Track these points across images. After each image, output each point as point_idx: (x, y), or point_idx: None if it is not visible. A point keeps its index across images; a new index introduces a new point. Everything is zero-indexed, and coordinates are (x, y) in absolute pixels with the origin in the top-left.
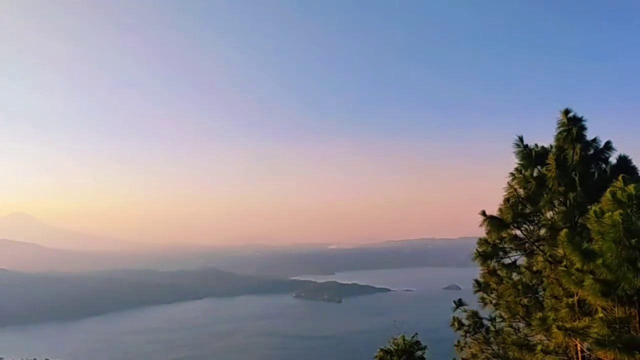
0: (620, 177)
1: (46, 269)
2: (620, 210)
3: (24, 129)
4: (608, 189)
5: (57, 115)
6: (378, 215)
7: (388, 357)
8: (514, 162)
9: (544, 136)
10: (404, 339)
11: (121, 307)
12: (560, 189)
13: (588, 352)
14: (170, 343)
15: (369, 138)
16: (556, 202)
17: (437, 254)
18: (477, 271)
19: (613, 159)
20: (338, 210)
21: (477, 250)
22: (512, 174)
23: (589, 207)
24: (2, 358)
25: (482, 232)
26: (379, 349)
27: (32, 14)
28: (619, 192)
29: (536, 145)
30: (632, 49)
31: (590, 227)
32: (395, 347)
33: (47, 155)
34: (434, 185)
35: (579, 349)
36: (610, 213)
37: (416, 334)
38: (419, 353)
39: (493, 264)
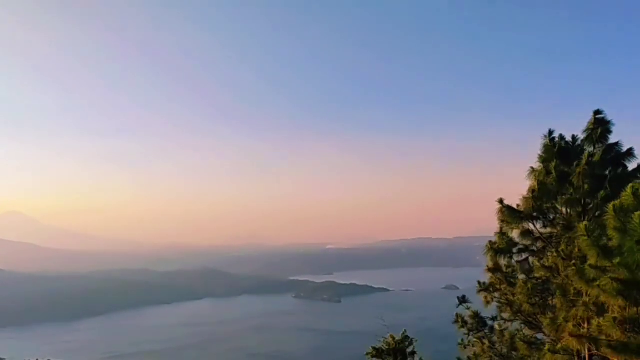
0: None
1: (43, 269)
2: None
3: (18, 129)
4: (629, 185)
5: (52, 115)
6: (373, 214)
7: (382, 355)
8: (510, 164)
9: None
10: (393, 338)
11: (121, 307)
12: (585, 187)
13: (596, 352)
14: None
15: (363, 137)
16: (575, 201)
17: (433, 254)
18: (474, 272)
19: (632, 166)
20: (334, 210)
21: (489, 244)
22: (532, 168)
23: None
24: (4, 359)
25: (477, 233)
26: (370, 347)
27: (22, 16)
28: None
29: (561, 136)
30: None
31: (607, 222)
32: (387, 346)
33: (42, 154)
34: (429, 185)
35: (586, 348)
36: (639, 213)
37: (405, 330)
38: (410, 349)
39: (505, 260)
